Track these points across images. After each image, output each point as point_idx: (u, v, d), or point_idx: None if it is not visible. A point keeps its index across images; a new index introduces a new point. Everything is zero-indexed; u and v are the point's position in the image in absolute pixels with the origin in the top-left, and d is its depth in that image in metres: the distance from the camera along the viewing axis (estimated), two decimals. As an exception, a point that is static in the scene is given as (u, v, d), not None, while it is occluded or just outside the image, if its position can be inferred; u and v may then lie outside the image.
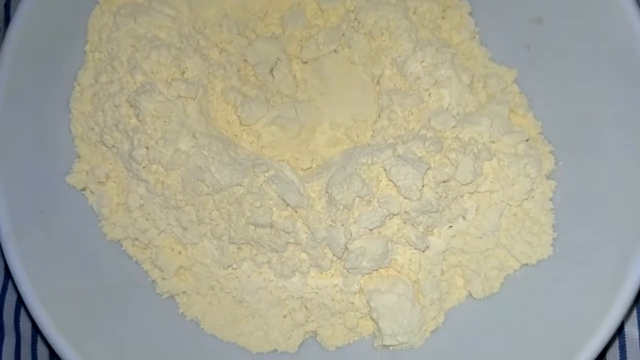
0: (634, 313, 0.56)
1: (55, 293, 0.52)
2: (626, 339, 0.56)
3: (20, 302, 0.60)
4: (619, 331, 0.56)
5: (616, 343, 0.56)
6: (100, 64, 0.55)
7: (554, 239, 0.52)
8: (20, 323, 0.60)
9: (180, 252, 0.54)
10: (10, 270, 0.51)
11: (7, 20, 0.66)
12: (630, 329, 0.56)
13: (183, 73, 0.54)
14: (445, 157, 0.51)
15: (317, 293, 0.53)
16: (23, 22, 0.53)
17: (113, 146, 0.54)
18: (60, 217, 0.54)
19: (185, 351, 0.54)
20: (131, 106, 0.52)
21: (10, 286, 0.61)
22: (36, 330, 0.60)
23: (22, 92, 0.53)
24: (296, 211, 0.51)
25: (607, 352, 0.56)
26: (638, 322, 0.56)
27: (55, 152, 0.55)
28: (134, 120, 0.52)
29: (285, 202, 0.51)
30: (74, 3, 0.55)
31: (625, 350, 0.55)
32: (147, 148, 0.52)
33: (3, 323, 0.60)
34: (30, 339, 0.60)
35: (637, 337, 0.56)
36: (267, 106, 0.55)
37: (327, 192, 0.51)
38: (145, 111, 0.51)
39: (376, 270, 0.52)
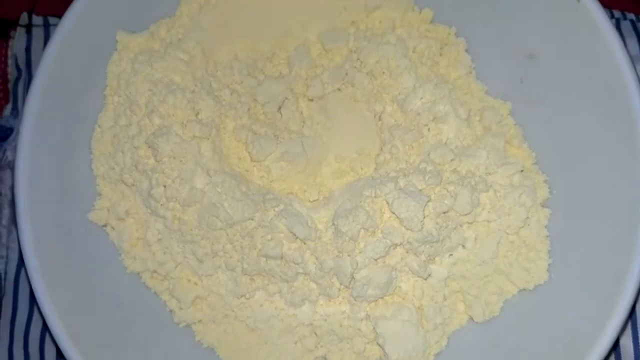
0: (629, 326, 0.58)
1: (80, 323, 0.54)
2: (621, 349, 0.58)
3: (44, 331, 0.63)
4: (615, 344, 0.57)
5: (612, 357, 0.58)
6: (119, 107, 0.57)
7: (549, 264, 0.54)
8: (45, 352, 0.62)
9: (196, 283, 0.56)
10: (38, 302, 0.53)
11: (29, 62, 0.68)
12: (625, 341, 0.58)
13: (197, 114, 0.56)
14: (445, 189, 0.53)
15: (326, 320, 0.55)
16: (48, 68, 0.55)
17: (132, 185, 0.56)
18: (83, 251, 0.56)
19: (202, 377, 0.56)
20: (149, 147, 0.54)
21: (34, 317, 0.63)
22: (60, 358, 0.62)
23: (46, 135, 0.55)
24: (305, 243, 0.53)
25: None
26: (632, 335, 0.58)
27: (78, 191, 0.57)
28: (152, 161, 0.54)
29: (295, 234, 0.53)
30: (95, 50, 0.58)
31: None
32: (164, 187, 0.54)
33: (29, 351, 0.62)
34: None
35: (632, 349, 0.58)
36: (276, 142, 0.57)
37: (333, 224, 0.53)
38: (163, 152, 0.53)
39: (381, 297, 0.54)
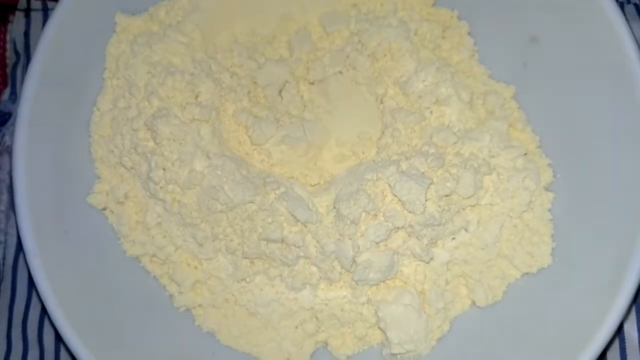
0: (632, 311, 0.58)
1: (78, 307, 0.54)
2: (625, 335, 0.57)
3: (42, 317, 0.63)
4: (619, 330, 0.57)
5: (616, 342, 0.57)
6: (118, 90, 0.57)
7: (553, 248, 0.53)
8: (44, 336, 0.62)
9: (196, 267, 0.56)
10: (36, 286, 0.53)
11: (27, 47, 0.68)
12: (628, 327, 0.58)
13: (197, 97, 0.56)
14: (447, 172, 0.52)
15: (327, 304, 0.55)
16: (45, 51, 0.55)
17: (132, 168, 0.56)
18: (82, 235, 0.56)
19: (202, 362, 0.56)
20: (148, 130, 0.54)
21: (33, 302, 0.63)
22: (59, 343, 0.62)
23: (45, 118, 0.55)
24: (305, 226, 0.53)
25: (608, 351, 0.57)
26: (636, 321, 0.58)
27: (77, 174, 0.57)
28: (151, 143, 0.54)
29: (295, 217, 0.52)
30: (93, 32, 0.57)
31: (625, 347, 0.57)
32: (164, 169, 0.54)
33: (27, 337, 0.62)
34: (53, 352, 0.62)
35: (637, 336, 0.57)
36: (276, 126, 0.57)
37: (335, 208, 0.53)
38: (162, 134, 0.53)
39: (383, 281, 0.54)
